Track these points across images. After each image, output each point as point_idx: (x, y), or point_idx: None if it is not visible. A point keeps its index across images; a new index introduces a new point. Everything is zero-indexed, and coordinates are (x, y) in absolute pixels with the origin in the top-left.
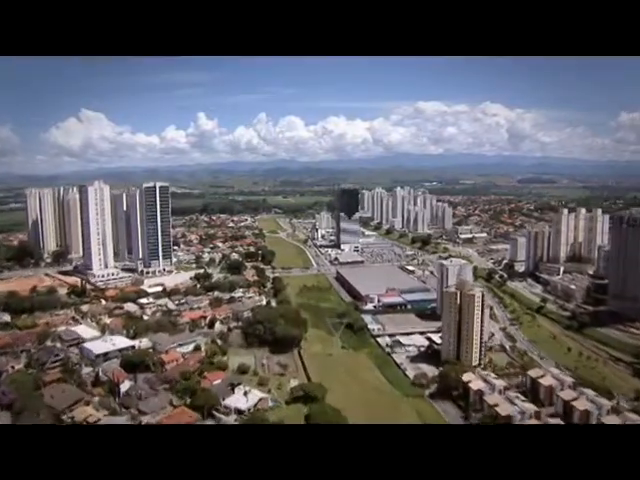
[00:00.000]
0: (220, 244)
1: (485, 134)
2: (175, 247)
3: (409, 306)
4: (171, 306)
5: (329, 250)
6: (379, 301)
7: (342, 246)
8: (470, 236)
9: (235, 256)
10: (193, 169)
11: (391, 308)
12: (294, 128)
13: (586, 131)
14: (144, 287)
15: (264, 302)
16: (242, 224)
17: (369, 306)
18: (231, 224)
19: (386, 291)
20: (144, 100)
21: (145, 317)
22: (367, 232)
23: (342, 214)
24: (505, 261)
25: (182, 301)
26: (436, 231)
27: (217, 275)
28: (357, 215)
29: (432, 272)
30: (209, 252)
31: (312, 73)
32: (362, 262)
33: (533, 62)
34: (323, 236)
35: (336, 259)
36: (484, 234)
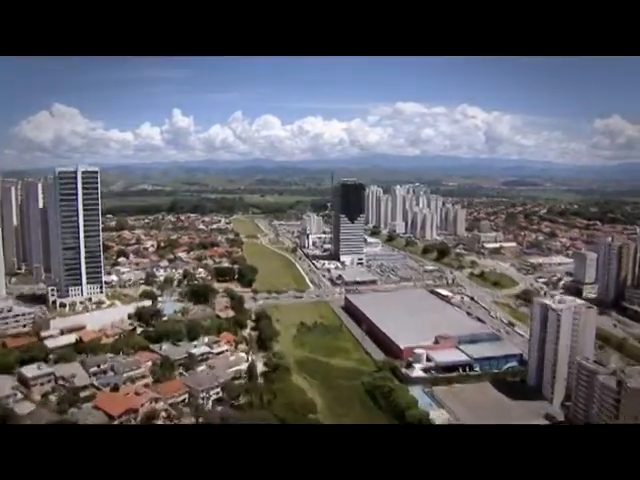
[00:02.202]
0: (183, 254)
1: (463, 136)
2: (121, 259)
3: (477, 367)
4: (81, 378)
5: (326, 263)
6: (429, 359)
7: (342, 257)
8: (497, 245)
9: (202, 273)
10: (167, 166)
11: (449, 371)
12: (270, 127)
13: (562, 135)
14: (48, 334)
15: (242, 365)
16: (214, 226)
17: (416, 371)
18: (201, 226)
19: (436, 341)
20: (118, 96)
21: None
22: (370, 239)
23: (342, 216)
24: (562, 281)
25: (103, 367)
26: (447, 238)
27: (172, 306)
28: (362, 218)
29: (473, 299)
30: (167, 267)
31: (288, 73)
32: (375, 282)
33: (514, 65)
34: (314, 243)
35: (340, 278)
36: (513, 243)
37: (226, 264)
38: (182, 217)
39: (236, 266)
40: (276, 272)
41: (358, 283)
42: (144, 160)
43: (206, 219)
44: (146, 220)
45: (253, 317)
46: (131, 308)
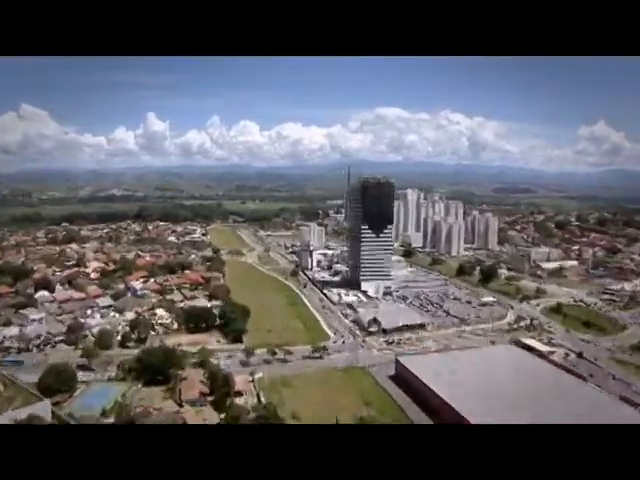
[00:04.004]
0: (139, 282)
1: (446, 142)
2: (41, 293)
3: None
4: None
5: (342, 293)
6: None
7: (364, 285)
8: (555, 265)
9: (164, 318)
10: (141, 172)
11: None
12: (248, 133)
13: (547, 142)
14: None
15: None
16: (188, 237)
17: None
18: (172, 237)
19: None
20: (92, 100)
21: None
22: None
23: (364, 228)
24: None
25: None
26: (477, 253)
27: (96, 399)
28: (390, 230)
29: (581, 355)
30: (110, 307)
31: (268, 76)
32: (424, 326)
33: (499, 69)
34: (319, 262)
35: (375, 322)
36: (574, 262)
37: (202, 299)
38: (150, 226)
39: (216, 304)
40: (276, 310)
41: (401, 329)
42: (118, 165)
43: (179, 229)
44: (105, 230)
45: (251, 413)
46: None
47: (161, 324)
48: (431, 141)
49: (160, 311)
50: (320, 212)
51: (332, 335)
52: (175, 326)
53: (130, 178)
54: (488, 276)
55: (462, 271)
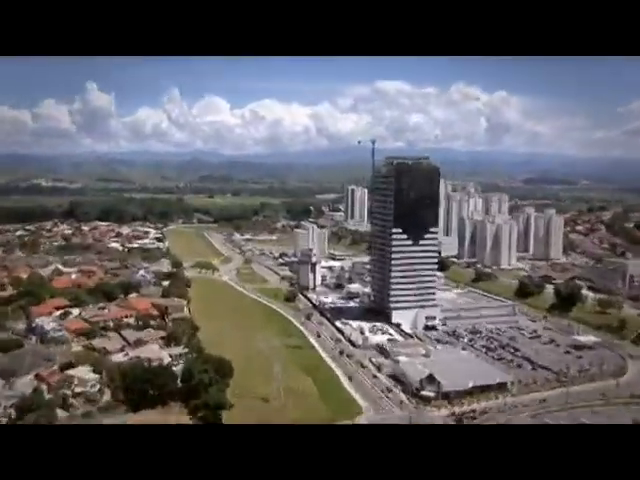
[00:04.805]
0: (51, 320)
1: (459, 123)
2: None
3: None
4: None
5: (364, 328)
6: None
7: (396, 315)
8: None
9: (90, 384)
10: (79, 158)
11: None
12: (215, 111)
13: (587, 121)
14: None
15: None
16: (136, 244)
17: None
18: (114, 243)
19: None
20: (7, 61)
21: None
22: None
23: (398, 232)
24: None
25: None
26: (535, 265)
27: None
28: (433, 234)
29: None
30: None
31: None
32: (505, 386)
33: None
34: (324, 278)
35: (431, 382)
36: None
37: (153, 346)
38: (85, 227)
39: (177, 352)
40: (270, 360)
41: (471, 392)
42: (47, 150)
43: (125, 231)
44: (19, 232)
45: None
46: None
47: (81, 395)
48: (440, 122)
49: (81, 371)
50: (312, 209)
51: (360, 401)
52: (107, 397)
53: (64, 165)
54: (568, 300)
55: (524, 291)
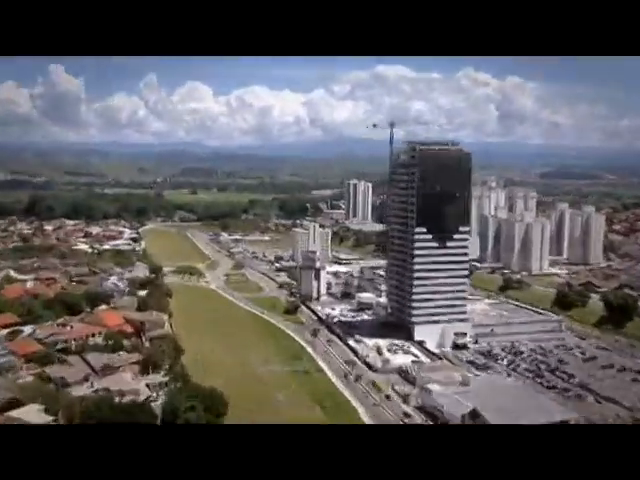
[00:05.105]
0: None
1: (467, 111)
2: None
3: None
4: None
5: (382, 346)
6: None
7: (419, 331)
8: None
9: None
10: (46, 147)
11: None
12: (198, 98)
13: (610, 110)
14: None
15: None
16: (108, 246)
17: None
18: (82, 245)
19: None
20: None
21: None
22: None
23: (421, 232)
24: None
25: None
26: (572, 271)
27: None
28: (466, 237)
29: None
30: None
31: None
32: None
33: None
34: (329, 286)
35: (475, 419)
36: None
37: (125, 375)
38: (49, 226)
39: (156, 381)
40: (272, 389)
41: None
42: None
43: (95, 230)
44: None
45: None
46: None
47: None
48: (446, 110)
49: (29, 411)
50: (308, 207)
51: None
52: None
53: (27, 157)
54: (620, 312)
55: (565, 302)
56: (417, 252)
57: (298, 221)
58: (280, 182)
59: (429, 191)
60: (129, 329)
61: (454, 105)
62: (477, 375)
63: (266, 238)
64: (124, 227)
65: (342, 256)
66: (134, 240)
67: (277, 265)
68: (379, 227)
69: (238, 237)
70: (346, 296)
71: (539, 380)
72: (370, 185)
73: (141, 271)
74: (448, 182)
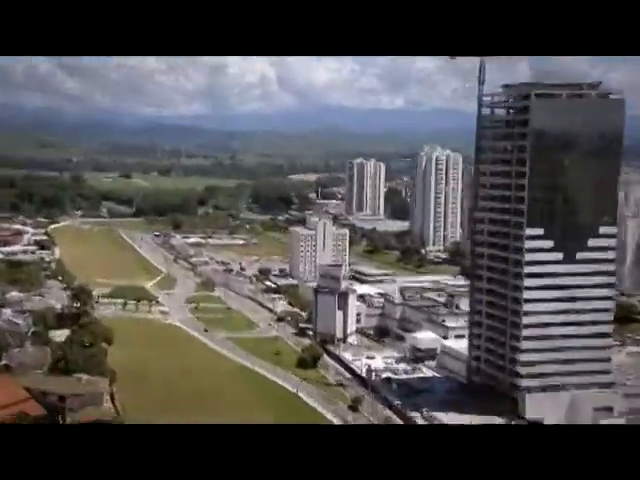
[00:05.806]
0: None
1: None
2: None
3: None
4: None
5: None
6: None
7: (529, 404)
8: None
9: None
10: None
11: None
12: None
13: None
14: None
15: None
16: None
17: None
18: None
19: None
20: None
21: None
22: None
23: (528, 232)
24: None
25: None
26: None
27: None
28: (612, 245)
29: None
30: None
31: None
32: None
33: None
34: (358, 319)
35: None
36: None
37: None
38: None
39: None
40: None
41: None
42: None
43: None
44: None
45: None
46: None
47: None
48: (462, 69)
49: None
50: (293, 195)
51: None
52: None
53: None
54: None
55: None
56: (528, 269)
57: (280, 217)
58: (245, 164)
59: (549, 167)
60: (34, 410)
61: (468, 63)
62: None
63: (239, 242)
64: (23, 225)
65: (364, 269)
66: (41, 246)
67: (267, 283)
68: (398, 225)
69: (198, 240)
70: (384, 334)
71: None
72: (383, 165)
73: (56, 296)
74: (583, 152)
